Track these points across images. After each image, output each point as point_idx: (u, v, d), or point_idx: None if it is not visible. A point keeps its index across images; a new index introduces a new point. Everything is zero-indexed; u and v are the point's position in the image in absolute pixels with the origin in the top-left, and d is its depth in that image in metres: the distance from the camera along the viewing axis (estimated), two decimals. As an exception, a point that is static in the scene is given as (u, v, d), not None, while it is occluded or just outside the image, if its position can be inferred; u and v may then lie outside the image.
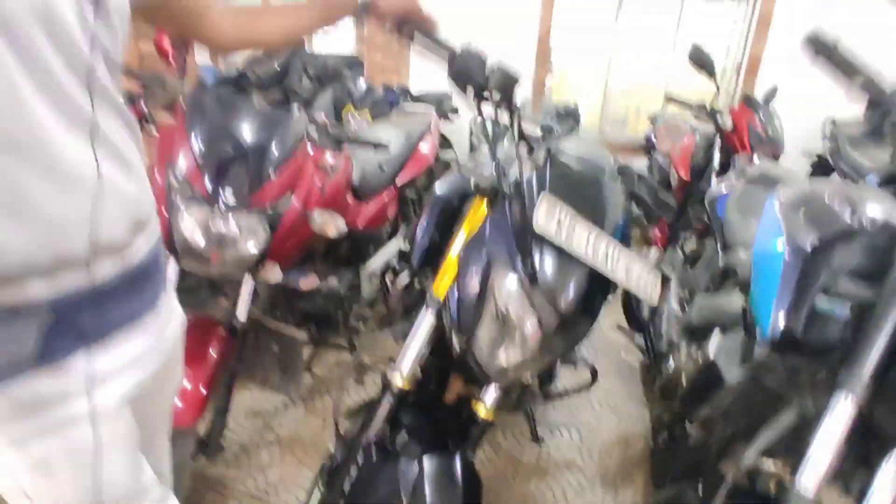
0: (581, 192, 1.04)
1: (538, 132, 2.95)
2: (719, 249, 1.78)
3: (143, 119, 1.51)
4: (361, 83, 3.82)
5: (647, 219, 3.61)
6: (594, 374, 1.35)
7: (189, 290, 1.46)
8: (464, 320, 0.99)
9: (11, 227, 0.52)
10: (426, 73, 5.02)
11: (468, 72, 1.07)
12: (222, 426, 1.44)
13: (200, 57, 6.16)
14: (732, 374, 1.09)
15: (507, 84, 1.04)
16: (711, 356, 1.16)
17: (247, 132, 1.27)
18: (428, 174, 2.69)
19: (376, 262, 2.10)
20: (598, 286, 0.98)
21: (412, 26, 1.09)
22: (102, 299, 0.62)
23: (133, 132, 0.65)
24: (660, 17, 4.62)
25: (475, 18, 4.74)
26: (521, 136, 1.14)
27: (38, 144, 0.52)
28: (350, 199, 1.93)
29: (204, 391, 1.22)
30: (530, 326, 0.93)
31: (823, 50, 0.85)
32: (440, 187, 1.22)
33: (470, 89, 1.06)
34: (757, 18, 4.26)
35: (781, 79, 3.27)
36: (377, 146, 1.67)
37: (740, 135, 2.71)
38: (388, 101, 3.71)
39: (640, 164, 4.06)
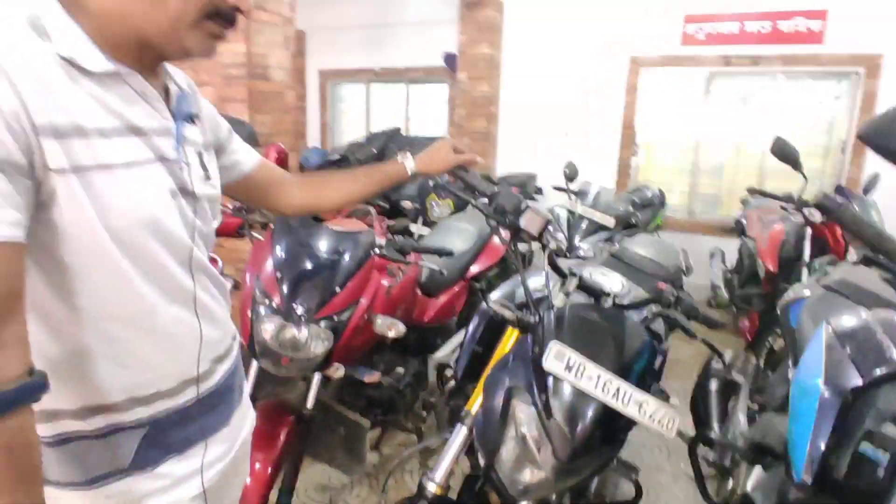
0: (596, 335, 1.10)
1: (610, 221, 2.99)
2: (789, 363, 1.70)
3: (243, 228, 1.81)
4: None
5: (735, 308, 3.43)
6: (639, 490, 1.35)
7: (268, 380, 1.69)
8: (487, 438, 1.08)
9: (123, 372, 0.72)
10: (513, 157, 5.28)
11: (505, 210, 1.20)
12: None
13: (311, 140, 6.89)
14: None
15: (538, 225, 1.16)
16: (749, 489, 1.13)
17: (320, 251, 1.50)
18: (501, 264, 2.82)
19: (443, 352, 2.23)
20: (617, 418, 1.03)
21: (460, 172, 1.25)
22: (185, 419, 0.79)
23: (221, 287, 0.85)
24: (754, 93, 4.54)
25: (562, 102, 4.97)
26: (554, 267, 1.24)
27: (145, 315, 0.73)
28: (418, 295, 2.11)
29: (270, 472, 1.39)
30: (545, 454, 1.00)
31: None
32: (491, 299, 1.34)
33: (504, 227, 1.19)
34: (861, 94, 4.05)
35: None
36: (442, 254, 1.84)
37: (832, 228, 2.57)
38: (470, 189, 3.94)
39: (731, 246, 3.91)
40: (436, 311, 2.14)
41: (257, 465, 1.39)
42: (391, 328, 1.63)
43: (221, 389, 0.86)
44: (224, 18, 0.70)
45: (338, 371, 1.56)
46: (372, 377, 1.73)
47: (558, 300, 1.19)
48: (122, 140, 0.66)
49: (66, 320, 0.67)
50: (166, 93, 0.76)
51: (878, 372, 1.04)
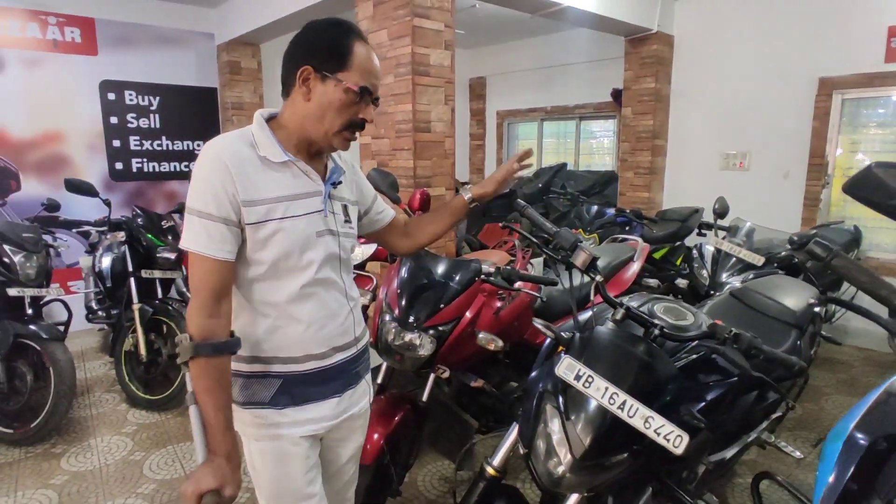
0: (619, 357, 1.26)
1: (758, 259, 2.86)
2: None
3: (388, 257, 2.31)
4: (592, 208, 4.22)
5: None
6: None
7: (396, 375, 2.13)
8: (525, 433, 1.32)
9: (272, 339, 1.16)
10: (678, 191, 5.11)
11: (562, 248, 1.45)
12: (402, 476, 1.99)
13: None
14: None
15: (584, 260, 1.39)
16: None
17: (432, 274, 1.90)
18: (628, 293, 2.90)
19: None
20: (631, 432, 1.19)
21: (528, 211, 1.52)
22: (305, 381, 1.18)
23: (352, 300, 1.28)
24: None
25: (738, 132, 4.70)
26: (605, 299, 1.43)
27: (287, 304, 1.15)
28: (532, 320, 2.37)
29: (381, 442, 1.80)
30: (564, 451, 1.21)
31: None
32: (536, 320, 1.57)
33: (560, 262, 1.44)
34: None
35: None
36: (545, 283, 2.09)
37: None
38: (618, 222, 4.01)
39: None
40: (548, 334, 2.37)
41: (375, 436, 1.82)
42: (490, 343, 1.94)
43: (338, 369, 1.23)
44: (357, 127, 1.15)
45: (444, 373, 1.92)
46: (476, 383, 2.05)
47: (604, 325, 1.38)
48: (288, 204, 1.11)
49: (256, 304, 1.14)
50: (325, 168, 1.23)
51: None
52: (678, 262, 4.13)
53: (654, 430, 1.15)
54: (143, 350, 3.17)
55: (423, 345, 1.81)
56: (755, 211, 3.96)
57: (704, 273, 3.11)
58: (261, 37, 4.92)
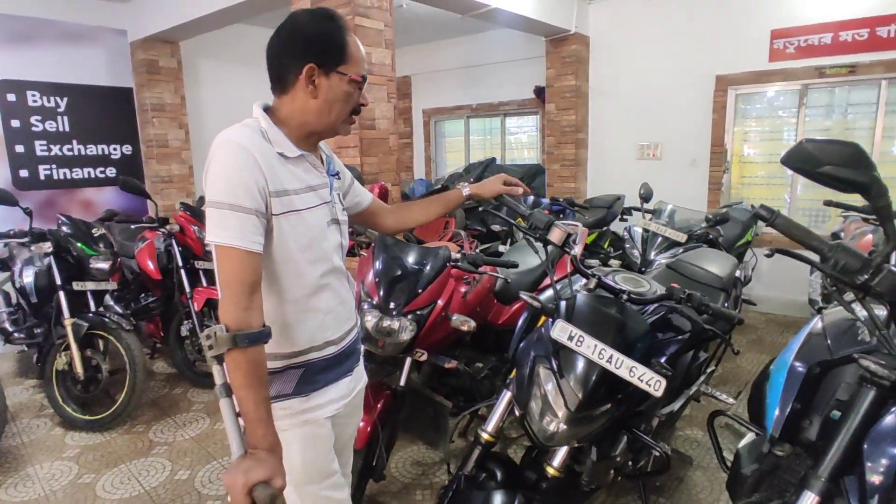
0: (600, 318, 1.42)
1: (681, 237, 3.17)
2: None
3: (355, 248, 2.36)
4: (528, 199, 4.47)
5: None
6: (666, 462, 1.63)
7: (376, 364, 2.19)
8: (520, 396, 1.45)
9: (296, 332, 1.19)
10: (600, 180, 5.50)
11: (538, 227, 1.59)
12: (385, 459, 2.06)
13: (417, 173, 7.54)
14: (748, 466, 1.31)
15: (560, 236, 1.53)
16: (739, 447, 1.38)
17: (407, 263, 1.98)
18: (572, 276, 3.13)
19: (516, 351, 2.60)
20: (615, 384, 1.35)
21: (506, 198, 1.65)
22: (326, 367, 1.23)
23: (350, 283, 1.34)
24: (853, 103, 4.38)
25: (649, 125, 5.14)
26: (578, 271, 1.59)
27: (308, 297, 1.18)
28: (494, 302, 2.52)
29: (369, 429, 1.87)
30: (559, 406, 1.36)
31: None
32: (523, 293, 1.71)
33: (537, 240, 1.58)
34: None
35: None
36: (507, 266, 2.24)
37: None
38: (553, 210, 4.28)
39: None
40: (509, 315, 2.52)
41: (361, 423, 1.87)
42: (464, 324, 2.05)
43: (348, 351, 1.31)
44: (356, 112, 1.22)
45: (422, 356, 2.01)
46: (450, 364, 2.16)
47: (581, 294, 1.55)
48: (305, 195, 1.16)
49: (278, 298, 1.15)
50: (321, 160, 1.26)
51: (847, 351, 1.26)
52: (605, 246, 4.48)
53: (638, 378, 1.32)
54: (79, 368, 2.96)
55: (404, 329, 1.89)
56: (669, 195, 4.36)
57: (636, 252, 3.42)
58: (180, 34, 4.70)
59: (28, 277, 3.19)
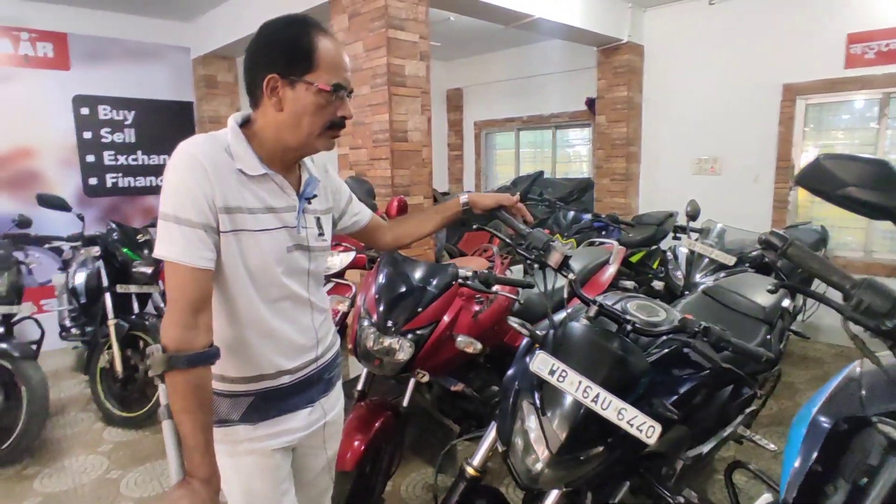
0: (593, 352, 1.28)
1: (729, 259, 2.92)
2: None
3: (369, 263, 2.32)
4: (570, 214, 4.28)
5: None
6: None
7: (375, 381, 2.13)
8: (503, 431, 1.34)
9: (244, 357, 1.10)
10: (653, 196, 5.22)
11: (536, 248, 1.47)
12: (384, 483, 1.98)
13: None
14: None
15: (557, 259, 1.41)
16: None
17: (410, 279, 1.91)
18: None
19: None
20: (606, 424, 1.21)
21: (503, 214, 1.55)
22: (279, 396, 1.15)
23: (322, 312, 1.25)
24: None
25: (707, 138, 4.83)
26: (577, 296, 1.46)
27: (259, 322, 1.09)
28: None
29: (362, 448, 1.80)
30: (540, 446, 1.23)
31: None
32: (511, 319, 1.58)
33: (534, 262, 1.46)
34: None
35: None
36: (523, 286, 2.12)
37: None
38: (595, 227, 4.08)
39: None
40: (527, 337, 2.39)
41: (355, 443, 1.81)
42: (469, 346, 1.95)
43: (309, 380, 1.21)
44: (338, 126, 1.11)
45: (424, 377, 1.93)
46: (457, 387, 2.06)
47: (580, 322, 1.41)
48: (262, 216, 1.07)
49: (225, 319, 1.09)
50: (299, 181, 1.17)
51: (882, 409, 1.06)
52: (655, 266, 4.21)
53: (628, 422, 1.17)
54: (118, 367, 3.11)
55: (402, 349, 1.81)
56: (728, 213, 4.06)
57: (679, 274, 3.18)
58: (236, 50, 4.92)
59: (79, 279, 3.40)
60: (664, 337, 1.42)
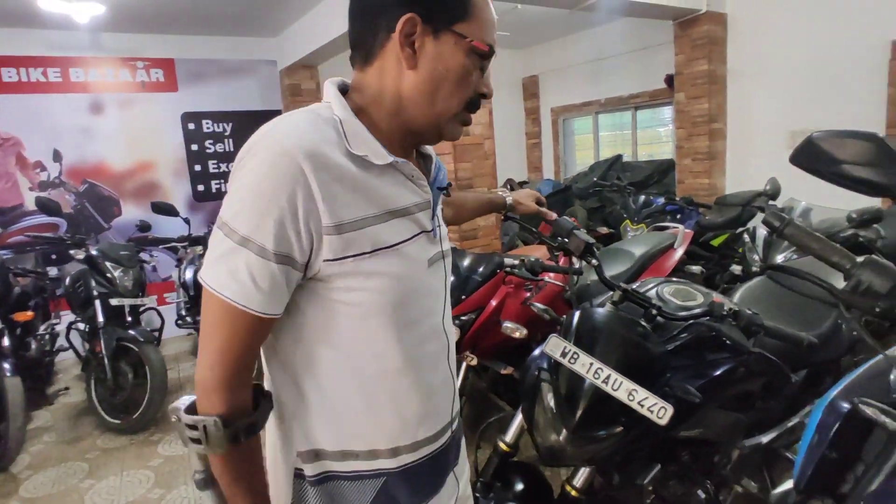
0: (609, 336, 1.32)
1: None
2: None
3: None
4: (640, 198, 4.15)
5: None
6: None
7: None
8: (526, 409, 1.42)
9: (375, 422, 0.78)
10: (742, 175, 4.89)
11: (560, 234, 1.54)
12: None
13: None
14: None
15: (579, 246, 1.47)
16: (775, 490, 1.19)
17: (458, 269, 2.04)
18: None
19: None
20: (614, 406, 1.26)
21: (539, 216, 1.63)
22: (414, 476, 0.81)
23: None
24: None
25: (808, 95, 4.45)
26: (602, 281, 1.50)
27: (396, 374, 0.78)
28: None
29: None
30: (557, 423, 1.30)
31: None
32: (536, 305, 1.66)
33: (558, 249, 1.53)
34: None
35: None
36: (571, 273, 2.16)
37: None
38: (668, 211, 3.92)
39: None
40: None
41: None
42: (515, 332, 2.04)
43: (448, 447, 0.88)
44: (476, 106, 0.79)
45: (472, 360, 2.05)
46: (506, 370, 2.16)
47: (604, 307, 1.45)
48: (395, 221, 0.74)
49: (329, 372, 0.76)
50: (420, 169, 0.82)
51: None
52: (740, 249, 3.97)
53: (638, 402, 1.21)
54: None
55: (447, 333, 1.95)
56: (827, 192, 3.71)
57: (756, 257, 3.00)
58: (318, 59, 5.28)
59: (188, 274, 3.90)
60: (690, 321, 1.43)
